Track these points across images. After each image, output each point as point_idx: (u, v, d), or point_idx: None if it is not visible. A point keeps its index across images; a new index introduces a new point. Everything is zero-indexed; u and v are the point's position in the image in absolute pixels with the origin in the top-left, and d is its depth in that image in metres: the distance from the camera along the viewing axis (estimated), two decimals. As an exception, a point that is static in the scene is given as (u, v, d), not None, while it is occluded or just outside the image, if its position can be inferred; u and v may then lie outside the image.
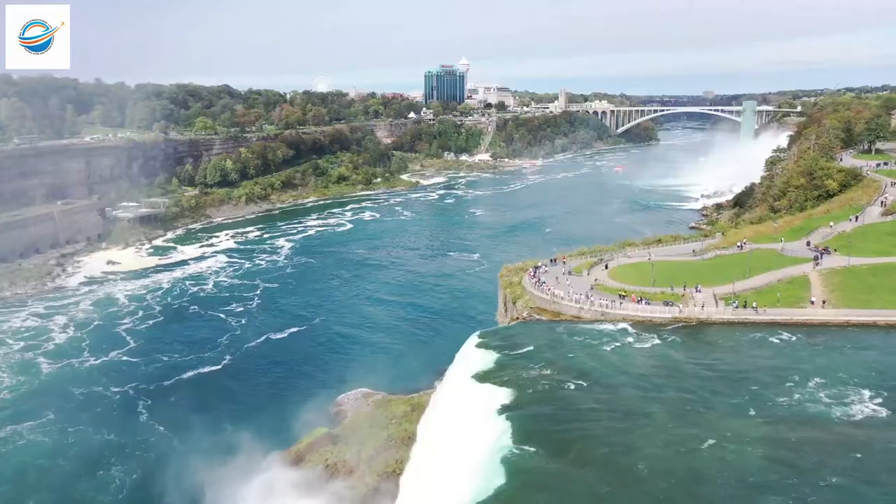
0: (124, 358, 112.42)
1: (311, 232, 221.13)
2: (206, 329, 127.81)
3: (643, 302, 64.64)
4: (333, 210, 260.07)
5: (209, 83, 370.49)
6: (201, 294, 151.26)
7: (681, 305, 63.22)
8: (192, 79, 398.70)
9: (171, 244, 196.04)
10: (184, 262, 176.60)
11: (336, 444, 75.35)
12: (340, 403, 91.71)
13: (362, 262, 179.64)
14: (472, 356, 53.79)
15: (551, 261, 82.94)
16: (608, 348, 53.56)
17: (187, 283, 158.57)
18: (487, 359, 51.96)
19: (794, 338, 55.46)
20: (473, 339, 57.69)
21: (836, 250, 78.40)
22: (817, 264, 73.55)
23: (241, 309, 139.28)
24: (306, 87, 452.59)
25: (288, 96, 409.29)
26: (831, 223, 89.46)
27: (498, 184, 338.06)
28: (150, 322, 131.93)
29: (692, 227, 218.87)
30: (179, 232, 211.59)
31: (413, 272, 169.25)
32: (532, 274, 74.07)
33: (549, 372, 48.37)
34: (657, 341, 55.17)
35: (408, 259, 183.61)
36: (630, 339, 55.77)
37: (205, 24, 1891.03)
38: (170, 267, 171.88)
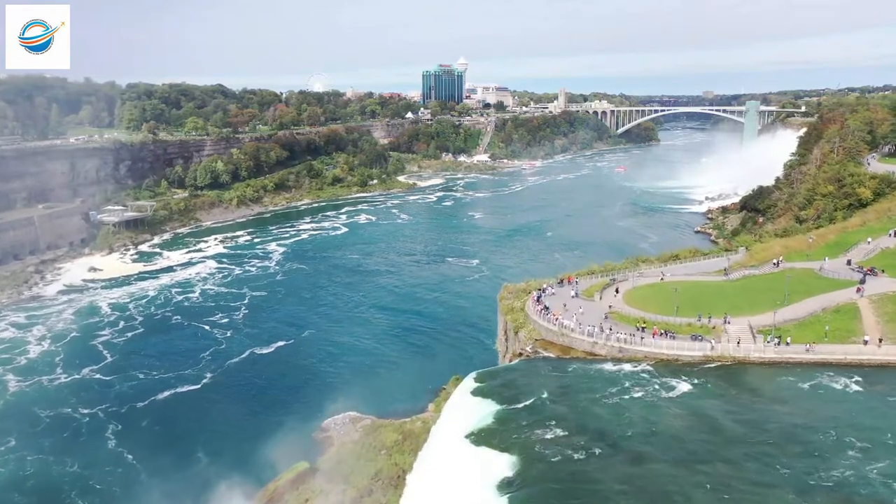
0: (97, 375, 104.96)
1: (303, 236, 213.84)
2: (187, 342, 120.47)
3: (667, 336, 55.96)
4: (328, 213, 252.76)
5: (206, 83, 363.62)
6: (186, 303, 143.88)
7: (712, 341, 54.50)
8: (188, 78, 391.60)
9: (157, 249, 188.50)
10: (169, 269, 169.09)
11: (318, 481, 67.99)
12: (326, 429, 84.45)
13: (356, 269, 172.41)
14: (467, 407, 45.71)
15: (558, 282, 74.63)
16: (630, 398, 45.25)
17: (172, 291, 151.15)
18: (485, 411, 43.93)
19: (850, 384, 47.36)
20: (468, 382, 49.28)
21: (883, 271, 68.95)
22: (861, 289, 64.55)
23: (227, 320, 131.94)
24: (303, 88, 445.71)
25: (284, 96, 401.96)
26: (869, 238, 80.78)
27: (497, 185, 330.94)
28: (130, 334, 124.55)
29: (697, 231, 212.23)
30: (167, 236, 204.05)
31: (409, 279, 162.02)
32: (536, 299, 65.89)
33: (559, 433, 40.23)
34: (687, 387, 46.90)
35: (404, 265, 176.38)
36: (656, 385, 47.35)
37: (201, 24, 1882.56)
38: (154, 274, 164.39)
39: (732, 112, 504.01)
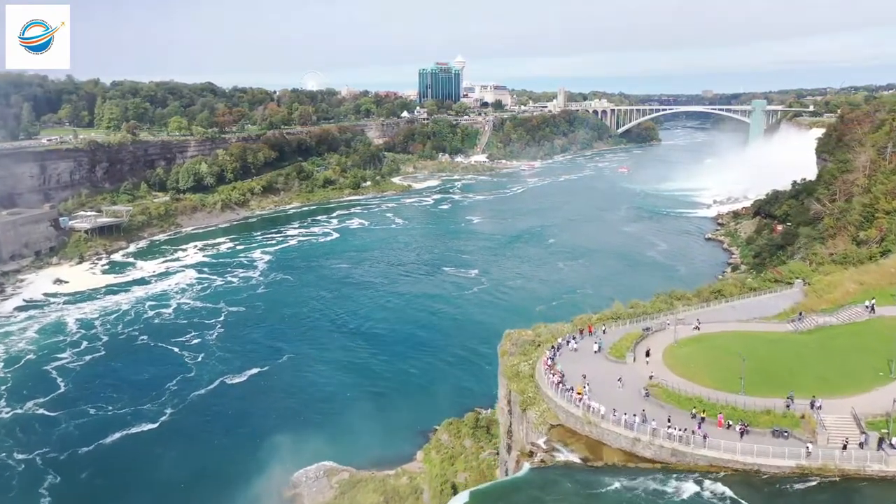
0: (43, 411, 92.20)
1: (291, 242, 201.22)
2: (151, 368, 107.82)
3: (738, 430, 39.95)
4: (318, 217, 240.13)
5: (196, 81, 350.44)
6: (156, 320, 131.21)
7: (808, 444, 38.05)
8: (179, 77, 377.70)
9: (131, 259, 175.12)
10: (142, 281, 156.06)
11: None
12: (297, 484, 72.06)
13: (345, 280, 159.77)
14: (456, 560, 32.37)
15: (575, 335, 57.83)
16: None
17: (142, 306, 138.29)
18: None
19: None
20: (459, 505, 35.95)
21: None
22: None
23: (198, 341, 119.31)
24: (297, 86, 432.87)
25: (276, 95, 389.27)
26: None
27: (495, 187, 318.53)
28: (88, 358, 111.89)
29: (709, 239, 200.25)
30: (143, 244, 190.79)
31: (402, 292, 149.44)
32: (549, 360, 50.32)
33: None
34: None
35: (397, 275, 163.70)
36: (733, 524, 32.27)
37: (196, 21, 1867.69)
38: (125, 287, 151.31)
39: (737, 112, 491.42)
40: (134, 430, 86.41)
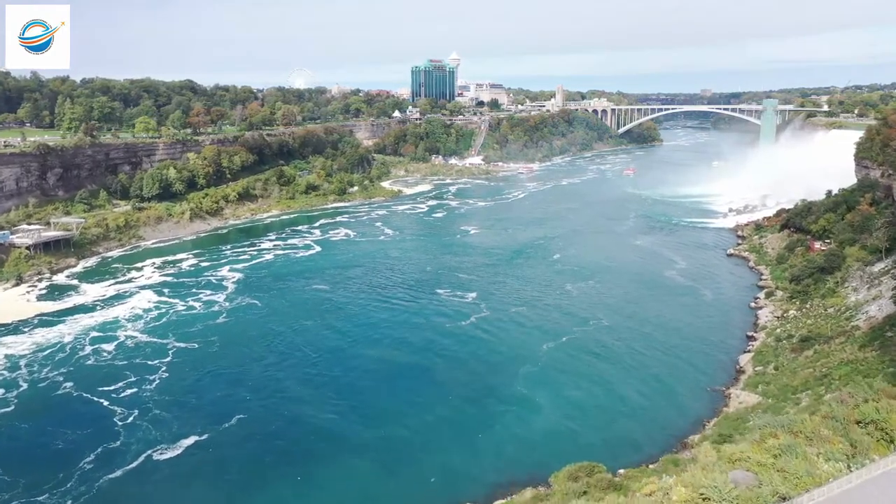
0: None
1: (266, 257, 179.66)
2: (67, 433, 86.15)
3: None
4: (298, 227, 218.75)
5: (175, 78, 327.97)
6: (88, 361, 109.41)
7: None
8: (164, 75, 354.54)
9: (76, 281, 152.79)
10: (83, 308, 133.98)
11: None
12: None
13: (322, 307, 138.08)
14: None
15: None
16: None
17: (77, 342, 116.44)
18: None
19: None
20: None
21: None
22: None
23: (134, 391, 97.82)
24: (284, 85, 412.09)
25: (262, 93, 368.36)
26: None
27: (493, 193, 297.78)
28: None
29: (731, 255, 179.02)
30: (93, 261, 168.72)
31: (389, 324, 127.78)
32: None
33: None
34: None
35: (384, 301, 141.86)
36: None
37: (186, 19, 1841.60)
38: (59, 316, 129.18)
39: (745, 111, 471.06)
40: (15, 539, 64.82)
